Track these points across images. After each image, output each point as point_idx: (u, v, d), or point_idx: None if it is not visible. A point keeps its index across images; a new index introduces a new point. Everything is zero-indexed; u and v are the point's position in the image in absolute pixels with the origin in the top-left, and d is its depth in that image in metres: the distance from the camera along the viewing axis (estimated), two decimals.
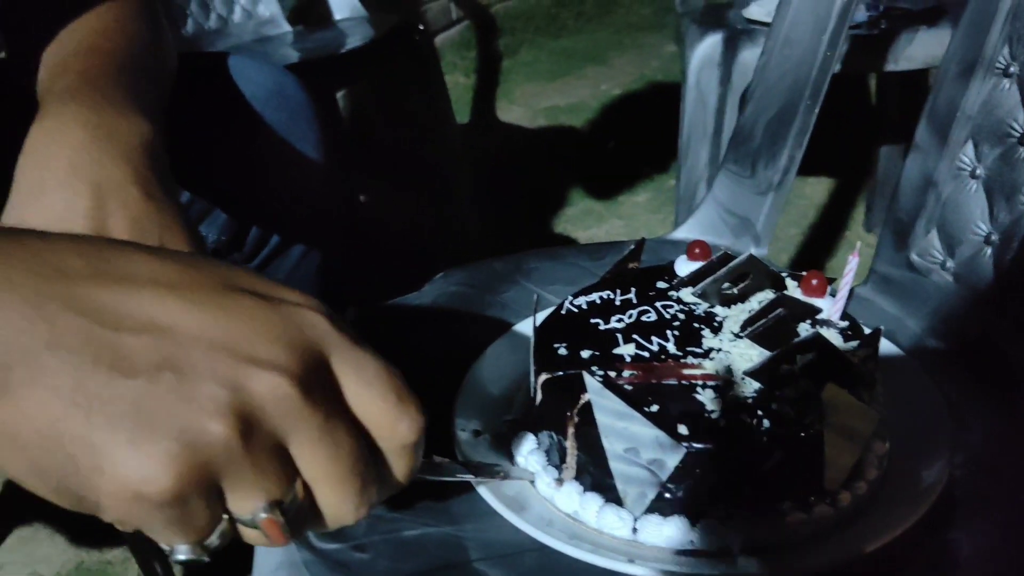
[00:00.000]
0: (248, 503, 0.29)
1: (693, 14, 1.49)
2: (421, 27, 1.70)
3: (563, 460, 0.47)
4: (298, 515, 0.30)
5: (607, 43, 3.18)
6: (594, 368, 0.47)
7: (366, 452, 0.31)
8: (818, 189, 1.99)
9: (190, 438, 0.27)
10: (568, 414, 0.46)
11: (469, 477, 0.46)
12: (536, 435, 0.50)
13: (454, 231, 1.89)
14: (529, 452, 0.50)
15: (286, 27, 1.81)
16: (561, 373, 0.48)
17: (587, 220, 1.94)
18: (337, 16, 1.86)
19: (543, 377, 0.49)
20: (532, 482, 0.48)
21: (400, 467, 0.33)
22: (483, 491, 0.47)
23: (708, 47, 1.33)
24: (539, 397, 0.49)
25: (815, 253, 1.79)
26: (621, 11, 3.50)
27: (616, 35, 3.26)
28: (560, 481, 0.47)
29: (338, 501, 0.31)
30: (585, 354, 0.49)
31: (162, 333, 0.28)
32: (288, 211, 0.78)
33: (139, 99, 0.54)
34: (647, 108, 2.57)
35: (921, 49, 1.25)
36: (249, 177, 0.74)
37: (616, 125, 2.51)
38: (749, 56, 1.28)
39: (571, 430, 0.46)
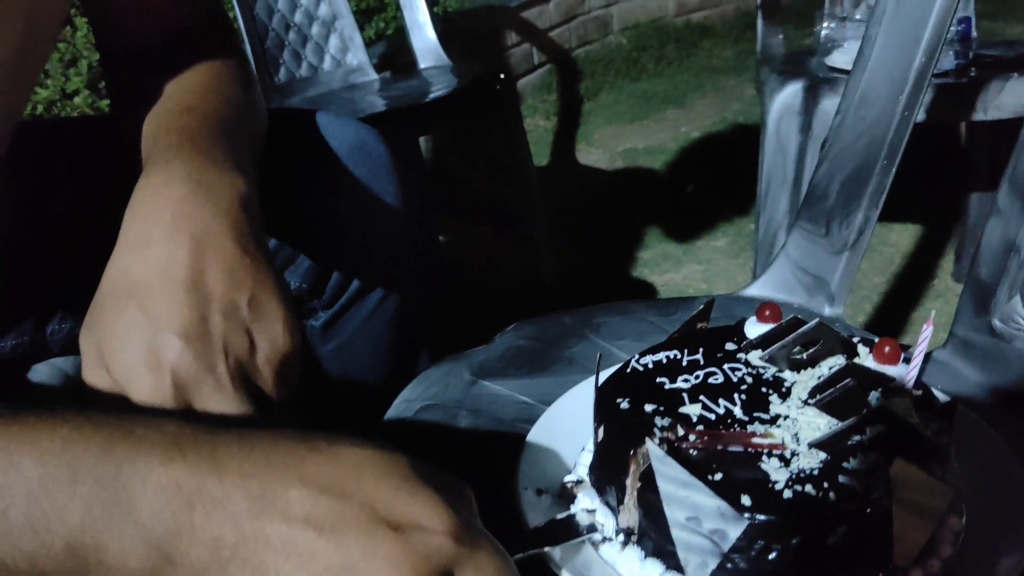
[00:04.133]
0: None
1: (773, 62, 1.48)
2: (502, 76, 1.74)
3: (620, 502, 0.48)
4: None
5: (687, 86, 3.18)
6: (657, 419, 0.48)
7: None
8: (904, 236, 1.94)
9: None
10: (632, 452, 0.46)
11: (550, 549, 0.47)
12: (594, 479, 0.51)
13: (531, 272, 1.90)
14: (584, 492, 0.51)
15: (373, 75, 1.87)
16: (624, 419, 0.48)
17: (664, 264, 1.93)
18: (422, 64, 1.91)
19: (603, 424, 0.49)
20: (592, 541, 0.48)
21: None
22: (546, 552, 0.47)
23: (788, 95, 1.32)
24: (600, 437, 0.50)
25: (900, 303, 1.73)
26: (702, 54, 3.50)
27: (696, 78, 3.26)
28: (621, 534, 0.47)
29: None
30: (648, 408, 0.49)
31: None
32: (368, 258, 0.80)
33: (236, 157, 0.56)
34: (727, 151, 2.55)
35: (1011, 98, 1.21)
36: (332, 226, 0.77)
37: (695, 168, 2.50)
38: (830, 105, 1.27)
39: (632, 468, 0.46)
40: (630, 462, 0.46)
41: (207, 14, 0.73)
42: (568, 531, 0.48)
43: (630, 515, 0.47)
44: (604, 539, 0.48)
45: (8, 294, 0.71)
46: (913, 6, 0.65)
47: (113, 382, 0.47)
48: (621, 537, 0.48)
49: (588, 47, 3.22)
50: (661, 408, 0.49)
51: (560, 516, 0.50)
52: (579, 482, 0.53)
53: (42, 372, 0.83)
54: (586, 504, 0.50)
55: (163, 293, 0.47)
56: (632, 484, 0.47)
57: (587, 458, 0.54)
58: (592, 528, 0.48)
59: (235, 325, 0.48)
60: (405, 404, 0.62)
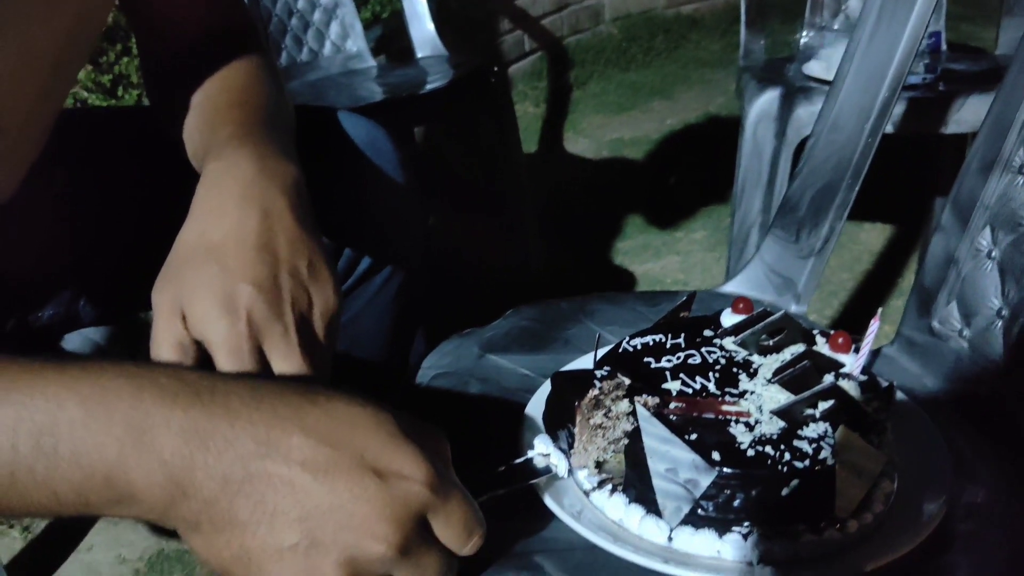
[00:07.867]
0: None
1: (754, 69, 1.57)
2: (496, 68, 1.80)
3: (571, 446, 0.56)
4: None
5: (674, 78, 3.24)
6: (598, 372, 0.56)
7: (446, 561, 0.45)
8: (873, 235, 2.02)
9: None
10: (576, 404, 0.54)
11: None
12: (547, 427, 0.59)
13: (519, 257, 1.98)
14: (540, 439, 0.58)
15: (371, 62, 1.93)
16: (568, 374, 0.56)
17: (644, 255, 2.01)
18: (419, 54, 1.97)
19: (552, 379, 0.57)
20: (548, 481, 0.56)
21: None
22: (546, 498, 0.56)
23: (766, 102, 1.41)
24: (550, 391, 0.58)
25: (866, 299, 1.81)
26: (690, 47, 3.57)
27: (683, 70, 3.32)
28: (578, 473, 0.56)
29: None
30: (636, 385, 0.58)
31: (307, 515, 0.42)
32: (376, 240, 0.88)
33: (284, 147, 0.65)
34: (710, 144, 2.62)
35: (971, 113, 1.30)
36: (346, 209, 0.85)
37: (678, 160, 2.57)
38: (804, 112, 1.36)
39: (579, 418, 0.55)
40: (576, 412, 0.55)
41: (239, 17, 0.80)
42: (525, 474, 0.56)
43: (580, 457, 0.56)
44: (559, 478, 0.56)
45: (50, 270, 0.79)
46: (879, 50, 0.75)
47: (187, 331, 0.54)
48: (608, 486, 0.57)
49: (579, 36, 3.28)
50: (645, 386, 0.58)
51: (517, 461, 0.57)
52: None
53: (74, 341, 0.90)
54: (542, 449, 0.57)
55: (238, 252, 0.55)
56: (579, 431, 0.55)
57: None
58: (547, 470, 0.56)
59: (298, 283, 0.56)
60: (423, 372, 0.71)
